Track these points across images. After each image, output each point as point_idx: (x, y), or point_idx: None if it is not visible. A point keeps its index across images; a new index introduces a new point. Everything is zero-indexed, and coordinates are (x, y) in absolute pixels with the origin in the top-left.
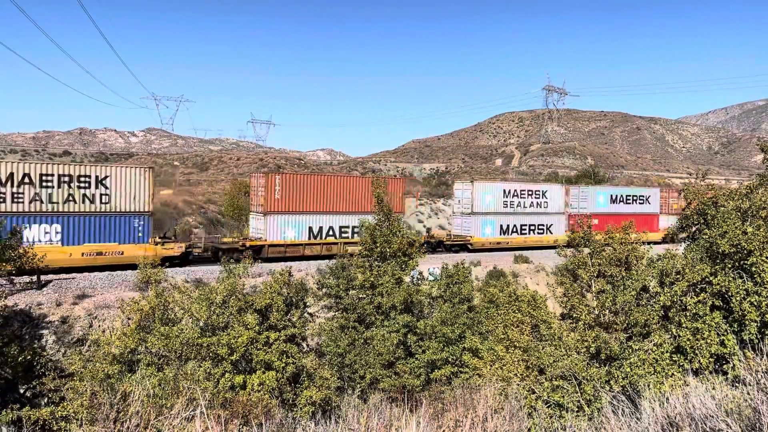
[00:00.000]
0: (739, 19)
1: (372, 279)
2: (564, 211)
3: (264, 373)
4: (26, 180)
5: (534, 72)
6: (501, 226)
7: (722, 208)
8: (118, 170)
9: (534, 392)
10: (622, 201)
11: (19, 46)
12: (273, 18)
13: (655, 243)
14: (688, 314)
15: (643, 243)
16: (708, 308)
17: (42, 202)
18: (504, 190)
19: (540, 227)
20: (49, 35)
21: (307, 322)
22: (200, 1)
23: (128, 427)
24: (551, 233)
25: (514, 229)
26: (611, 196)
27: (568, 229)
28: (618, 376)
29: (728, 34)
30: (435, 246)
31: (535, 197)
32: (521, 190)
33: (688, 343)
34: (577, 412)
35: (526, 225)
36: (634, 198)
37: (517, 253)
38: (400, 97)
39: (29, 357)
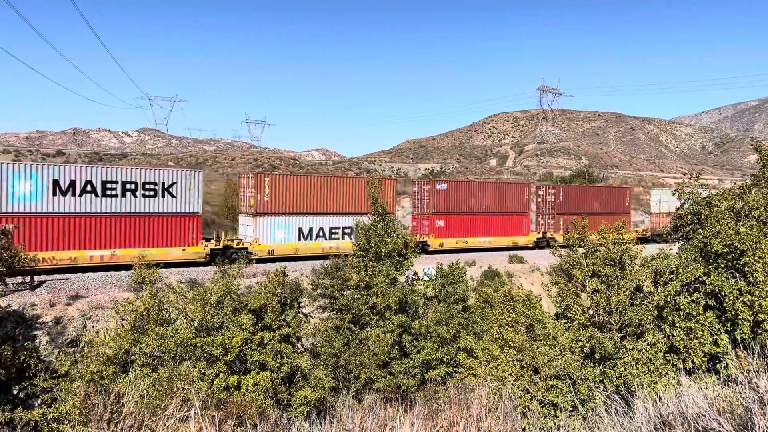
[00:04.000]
0: (732, 19)
1: (367, 279)
2: None
3: (258, 373)
4: None
5: (529, 72)
6: None
7: (716, 208)
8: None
9: (528, 392)
10: (94, 191)
11: (11, 44)
12: (268, 18)
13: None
14: (681, 314)
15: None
16: (701, 308)
17: None
18: None
19: None
20: (42, 33)
21: (302, 322)
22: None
23: (122, 428)
24: None
25: None
26: (55, 181)
27: None
28: (612, 376)
29: (721, 34)
30: None
31: None
32: None
33: (681, 342)
34: (571, 411)
35: None
36: (142, 186)
37: None
38: (395, 97)
39: (23, 358)
